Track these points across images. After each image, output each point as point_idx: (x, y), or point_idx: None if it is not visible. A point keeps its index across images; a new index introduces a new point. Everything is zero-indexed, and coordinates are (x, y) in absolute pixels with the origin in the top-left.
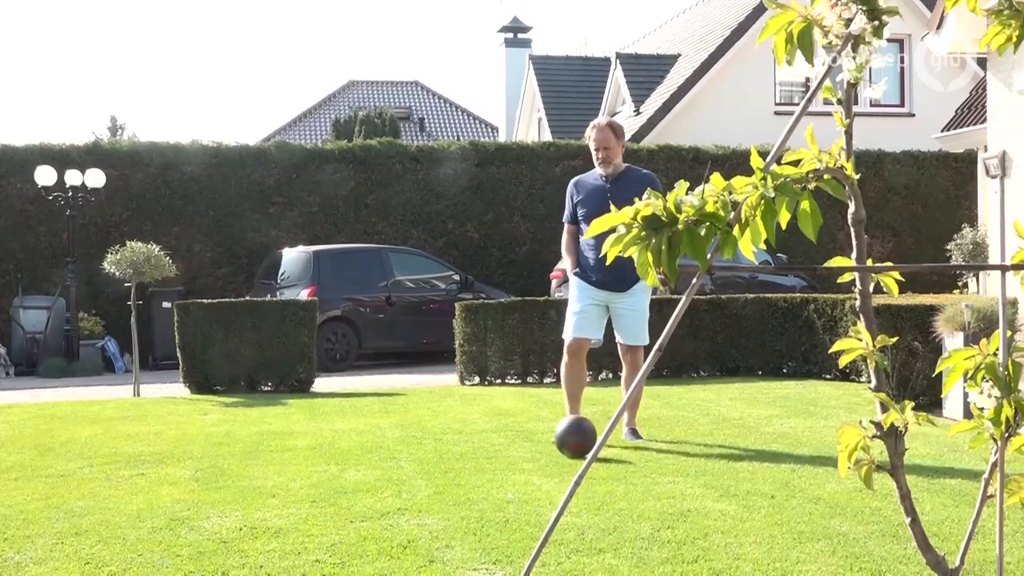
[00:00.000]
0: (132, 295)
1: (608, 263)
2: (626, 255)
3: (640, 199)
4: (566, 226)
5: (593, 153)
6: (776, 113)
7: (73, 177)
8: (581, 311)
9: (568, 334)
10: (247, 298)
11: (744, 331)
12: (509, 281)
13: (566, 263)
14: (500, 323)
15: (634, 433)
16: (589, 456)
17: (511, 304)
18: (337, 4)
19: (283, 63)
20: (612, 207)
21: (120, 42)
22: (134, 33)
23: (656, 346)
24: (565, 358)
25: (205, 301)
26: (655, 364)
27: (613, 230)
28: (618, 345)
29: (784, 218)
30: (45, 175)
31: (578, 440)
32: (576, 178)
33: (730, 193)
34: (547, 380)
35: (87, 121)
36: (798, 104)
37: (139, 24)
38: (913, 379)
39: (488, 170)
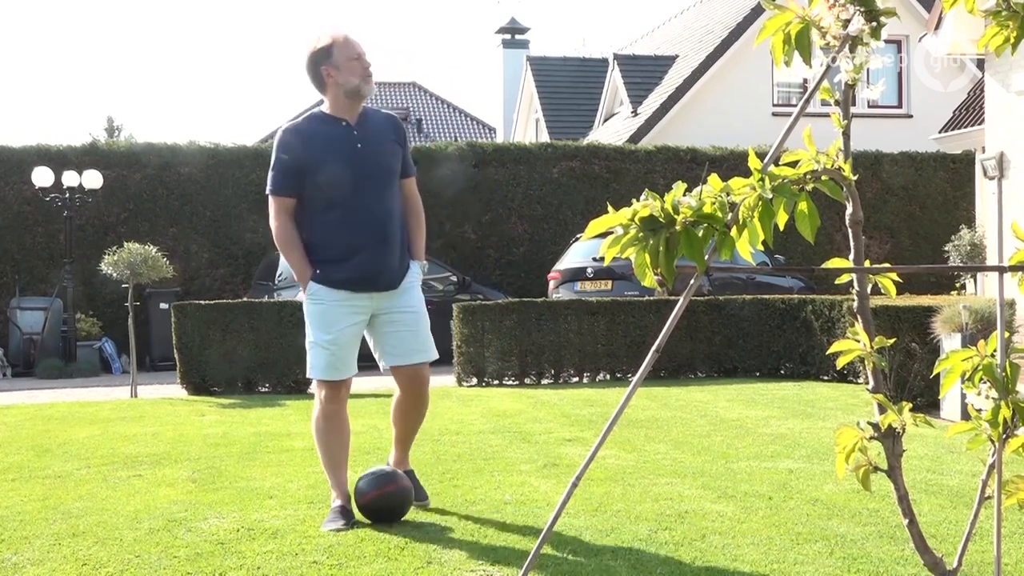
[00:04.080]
0: (129, 296)
1: (376, 255)
2: (624, 256)
3: (393, 148)
4: (278, 200)
5: (354, 66)
6: (774, 114)
7: (70, 178)
8: (338, 341)
9: (319, 373)
10: (244, 299)
11: (742, 332)
12: (507, 282)
13: (294, 264)
14: (498, 324)
15: (417, 488)
16: (587, 457)
17: (509, 305)
18: (334, 5)
19: (281, 63)
20: (366, 162)
21: (117, 43)
22: (131, 34)
23: (654, 347)
24: (322, 406)
25: (202, 302)
26: (652, 365)
27: (608, 232)
28: (393, 371)
29: (782, 219)
30: (42, 176)
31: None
32: (291, 126)
33: (728, 194)
34: (544, 381)
35: (84, 122)
36: (796, 105)
37: (136, 25)
38: (911, 380)
39: (486, 171)
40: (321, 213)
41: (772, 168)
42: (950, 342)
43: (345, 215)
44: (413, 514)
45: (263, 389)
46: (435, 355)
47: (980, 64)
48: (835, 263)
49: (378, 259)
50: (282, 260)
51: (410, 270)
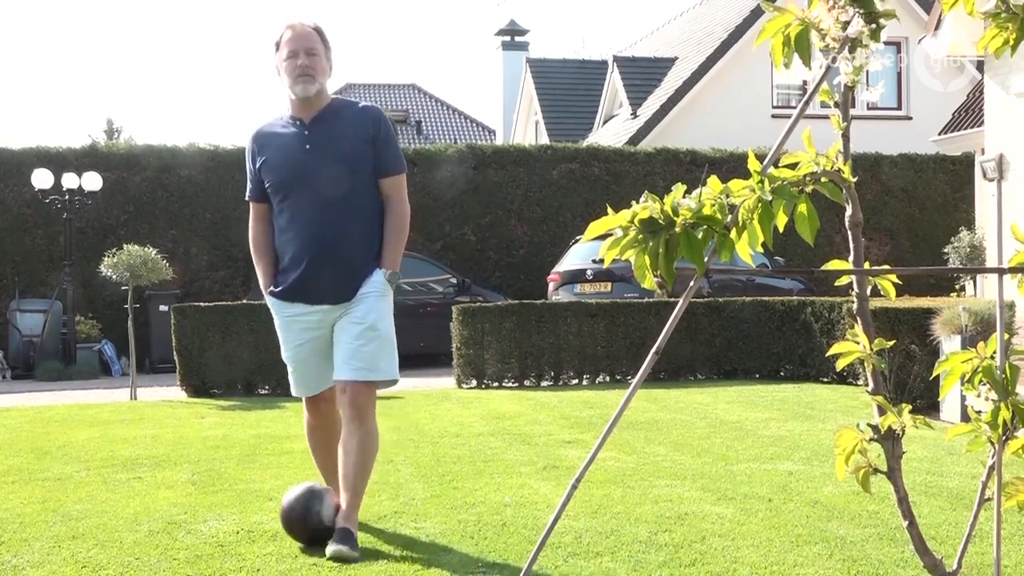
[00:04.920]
0: (129, 298)
1: (304, 260)
2: (623, 258)
3: (359, 146)
4: (252, 207)
5: (287, 65)
6: (773, 116)
7: (70, 180)
8: (295, 358)
9: (291, 389)
10: (244, 301)
11: (741, 334)
12: (506, 284)
13: (258, 275)
14: (497, 326)
15: (345, 538)
16: (587, 459)
17: (508, 307)
18: (334, 6)
19: None
20: (315, 165)
21: (116, 44)
22: (130, 35)
23: (654, 349)
24: (305, 419)
25: (202, 304)
26: (652, 367)
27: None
28: (336, 384)
29: (781, 221)
30: (42, 178)
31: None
32: (258, 129)
33: (727, 196)
34: (544, 383)
35: (83, 124)
36: (796, 107)
37: (135, 26)
38: (910, 382)
39: (485, 173)
40: (276, 219)
41: (772, 170)
42: (950, 344)
43: (290, 222)
44: (414, 516)
45: (263, 391)
46: (382, 376)
47: (979, 66)
48: (835, 265)
49: (320, 270)
50: None
51: (371, 279)
